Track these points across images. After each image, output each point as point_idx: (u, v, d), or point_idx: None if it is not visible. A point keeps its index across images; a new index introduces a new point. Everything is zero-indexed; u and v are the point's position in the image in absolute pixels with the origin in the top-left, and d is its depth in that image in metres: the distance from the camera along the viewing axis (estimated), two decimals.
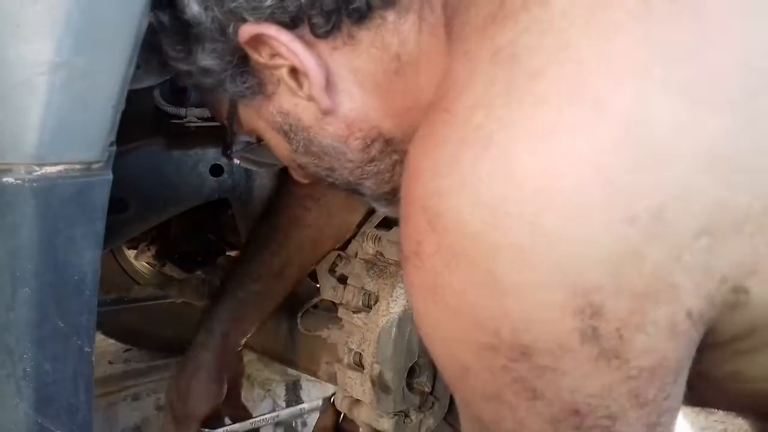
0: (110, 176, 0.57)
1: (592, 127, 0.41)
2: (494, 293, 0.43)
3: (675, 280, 0.41)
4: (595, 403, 0.44)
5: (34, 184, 0.53)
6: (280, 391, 1.84)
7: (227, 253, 1.35)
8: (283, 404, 1.84)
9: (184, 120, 1.05)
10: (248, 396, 1.79)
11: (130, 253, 1.62)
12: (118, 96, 0.56)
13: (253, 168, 0.86)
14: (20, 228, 0.54)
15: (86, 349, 0.58)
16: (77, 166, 0.55)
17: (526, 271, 0.42)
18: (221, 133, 0.74)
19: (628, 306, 0.41)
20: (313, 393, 1.84)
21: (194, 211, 1.23)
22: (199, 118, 1.05)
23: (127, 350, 1.84)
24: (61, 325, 0.56)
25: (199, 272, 1.21)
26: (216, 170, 1.12)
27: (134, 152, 1.03)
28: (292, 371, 1.83)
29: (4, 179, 0.53)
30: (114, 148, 0.57)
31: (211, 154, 1.12)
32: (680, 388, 0.46)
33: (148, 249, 1.49)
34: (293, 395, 1.83)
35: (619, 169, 0.41)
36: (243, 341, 1.06)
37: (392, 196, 0.70)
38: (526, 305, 0.43)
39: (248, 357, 1.84)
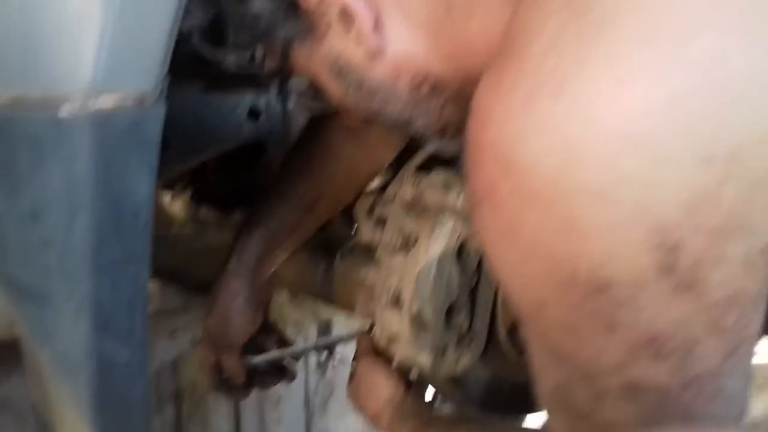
0: (163, 109, 0.58)
1: (669, 70, 0.42)
2: (571, 234, 0.44)
3: (751, 217, 0.43)
4: (673, 332, 0.45)
5: (91, 115, 0.54)
6: (312, 332, 1.87)
7: None
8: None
9: (223, 65, 1.05)
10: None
11: (166, 199, 1.64)
12: (171, 28, 0.57)
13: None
14: (77, 158, 0.55)
15: (142, 277, 0.60)
16: (132, 98, 0.56)
17: (603, 212, 0.43)
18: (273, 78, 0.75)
19: (705, 242, 0.43)
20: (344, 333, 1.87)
21: (230, 155, 1.25)
22: (237, 65, 1.05)
23: (163, 288, 1.88)
24: (118, 253, 0.58)
25: (237, 213, 1.23)
26: (254, 113, 1.13)
27: (174, 93, 1.04)
28: (323, 313, 1.86)
29: (61, 109, 0.54)
30: (167, 81, 0.58)
31: (249, 98, 1.12)
32: (759, 318, 0.47)
33: (184, 192, 1.50)
34: (325, 336, 1.86)
35: (696, 112, 0.42)
36: (272, 270, 1.07)
37: (442, 135, 0.70)
38: (603, 245, 0.44)
39: (280, 298, 1.88)
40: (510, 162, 0.46)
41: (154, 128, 0.57)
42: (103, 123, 0.54)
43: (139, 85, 0.55)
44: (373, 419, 0.99)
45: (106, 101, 0.54)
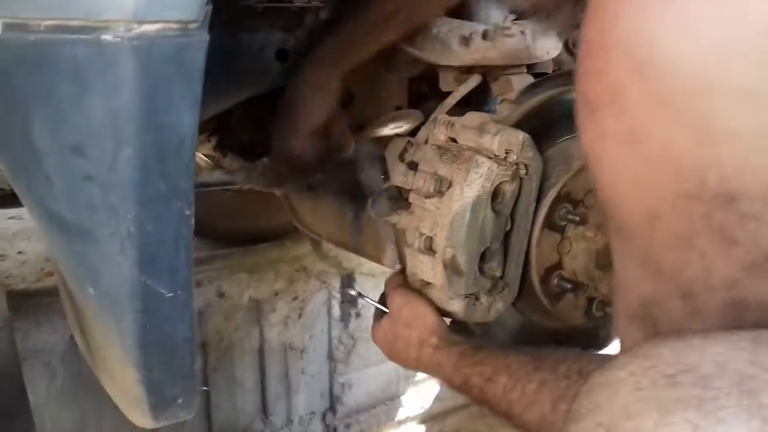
0: (207, 37, 0.56)
1: None
2: (706, 140, 0.42)
3: None
4: None
5: (134, 42, 0.53)
6: (335, 283, 1.88)
7: None
8: (338, 296, 1.89)
9: (251, 1, 1.02)
10: (304, 287, 1.84)
11: None
12: None
13: None
14: (120, 87, 0.54)
15: (186, 212, 0.59)
16: (175, 25, 0.54)
17: (748, 115, 0.40)
18: None
19: None
20: (367, 285, 1.87)
21: (255, 101, 1.23)
22: None
23: None
24: (163, 187, 0.57)
25: (264, 159, 1.21)
26: (282, 54, 1.10)
27: None
28: (346, 264, 1.86)
29: (103, 37, 0.53)
30: (210, 6, 0.56)
31: (278, 38, 1.10)
32: None
33: (209, 140, 1.49)
34: (348, 287, 1.87)
35: None
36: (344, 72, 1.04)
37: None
38: (741, 151, 0.41)
39: (304, 249, 1.88)
40: (644, 63, 0.43)
41: (198, 56, 0.55)
42: (147, 49, 0.52)
43: (182, 11, 0.54)
44: (419, 344, 0.98)
45: (150, 27, 0.52)
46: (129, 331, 0.61)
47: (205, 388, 1.67)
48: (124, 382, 0.67)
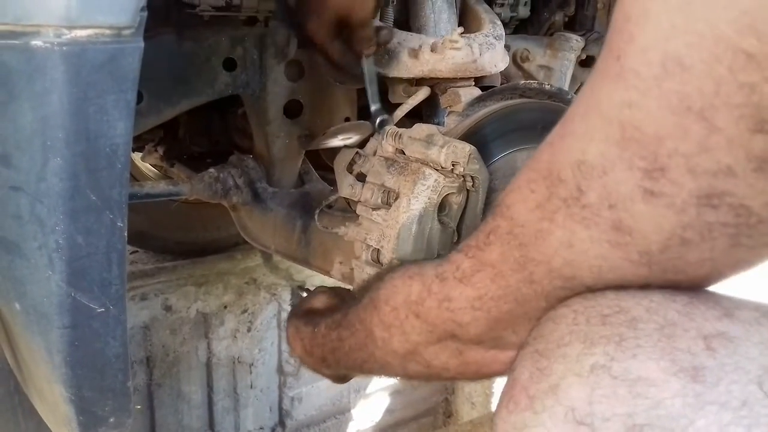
0: (141, 44, 0.55)
1: None
2: None
3: None
4: None
5: (64, 48, 0.51)
6: (286, 296, 1.86)
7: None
8: (288, 308, 1.86)
9: (198, 9, 1.01)
10: (254, 300, 1.81)
11: (136, 156, 1.60)
12: None
13: None
14: (50, 94, 0.52)
15: (119, 224, 0.57)
16: (108, 31, 0.52)
17: None
18: None
19: None
20: None
21: (203, 110, 1.21)
22: (213, 7, 1.01)
23: (133, 252, 1.84)
24: (93, 197, 0.55)
25: (211, 170, 1.19)
26: (229, 64, 1.09)
27: (145, 42, 0.99)
28: (297, 276, 1.84)
29: (33, 42, 0.51)
30: (145, 13, 0.54)
31: (225, 47, 1.08)
32: None
33: (156, 150, 1.46)
34: (298, 299, 1.84)
35: None
36: None
37: None
38: None
39: (254, 261, 1.85)
40: None
41: (132, 63, 0.54)
42: (77, 55, 0.51)
43: (116, 17, 0.52)
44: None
45: (81, 33, 0.50)
46: (57, 347, 0.59)
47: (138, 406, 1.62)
48: (52, 401, 0.64)
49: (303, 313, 0.94)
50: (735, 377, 0.40)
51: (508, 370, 0.58)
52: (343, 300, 0.93)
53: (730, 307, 0.46)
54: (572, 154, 0.47)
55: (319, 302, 0.96)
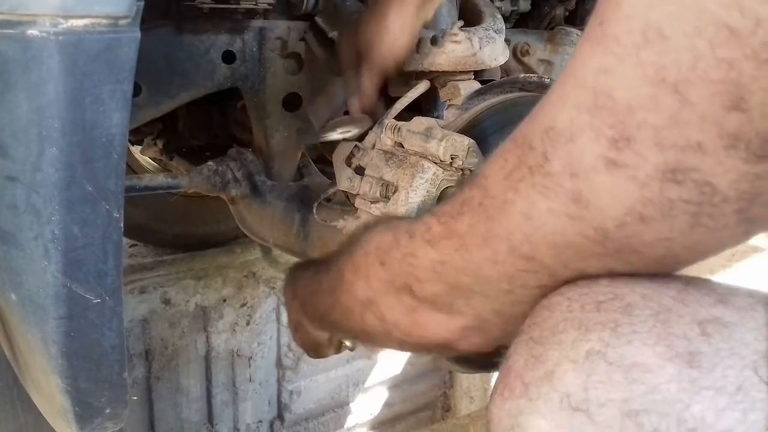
0: (138, 34, 0.55)
1: None
2: None
3: None
4: None
5: (60, 38, 0.51)
6: None
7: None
8: None
9: (197, 1, 1.00)
10: (253, 293, 1.81)
11: (135, 149, 1.60)
12: None
13: None
14: (46, 84, 0.52)
15: (115, 215, 0.57)
16: (104, 21, 0.52)
17: None
18: None
19: None
20: None
21: (202, 103, 1.20)
22: (212, 0, 1.01)
23: (133, 245, 1.84)
24: (90, 188, 0.55)
25: (210, 163, 1.19)
26: (228, 57, 1.09)
27: (144, 34, 0.99)
28: None
29: (29, 31, 0.50)
30: (142, 3, 0.54)
31: (224, 40, 1.08)
32: None
33: (155, 143, 1.46)
34: None
35: None
36: None
37: None
38: None
39: (254, 255, 1.85)
40: None
41: (129, 53, 0.53)
42: (74, 45, 0.50)
43: (112, 6, 0.52)
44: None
45: (77, 22, 0.50)
46: (53, 338, 0.59)
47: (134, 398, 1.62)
48: (48, 392, 0.64)
49: (303, 263, 0.95)
50: (730, 362, 0.40)
51: (451, 340, 0.59)
52: None
53: (724, 293, 0.45)
54: (545, 120, 0.46)
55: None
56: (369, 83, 1.03)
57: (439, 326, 0.59)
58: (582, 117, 0.43)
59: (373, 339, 0.70)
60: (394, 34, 0.99)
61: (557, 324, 0.47)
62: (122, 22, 0.53)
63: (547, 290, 0.50)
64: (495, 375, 0.82)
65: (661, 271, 0.47)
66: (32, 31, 0.50)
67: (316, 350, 0.95)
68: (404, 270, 0.59)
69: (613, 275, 0.48)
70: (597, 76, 0.42)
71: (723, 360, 0.41)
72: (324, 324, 0.83)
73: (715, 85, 0.37)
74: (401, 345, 0.70)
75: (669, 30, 0.38)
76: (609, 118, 0.41)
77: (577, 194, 0.44)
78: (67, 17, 0.51)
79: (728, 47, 0.37)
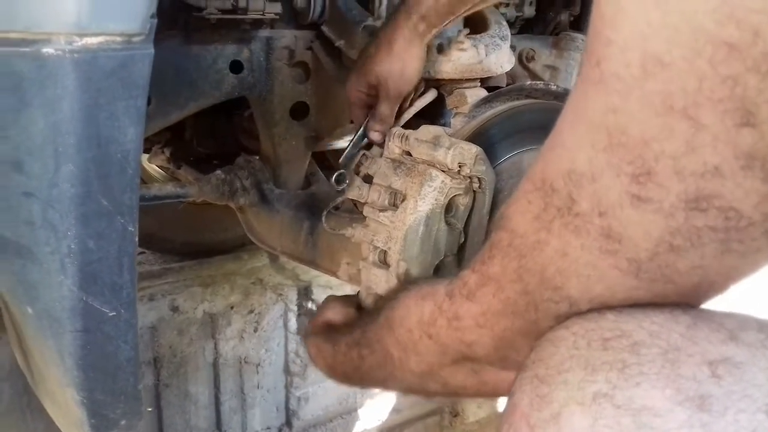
0: (152, 50, 0.55)
1: None
2: None
3: None
4: None
5: (75, 55, 0.51)
6: (292, 296, 1.86)
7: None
8: (295, 308, 1.87)
9: (205, 12, 1.01)
10: (260, 300, 1.82)
11: (144, 157, 1.60)
12: None
13: None
14: (61, 101, 0.52)
15: (129, 228, 0.58)
16: (118, 38, 0.53)
17: None
18: None
19: None
20: (324, 298, 1.86)
21: (210, 112, 1.21)
22: (220, 10, 1.02)
23: (140, 252, 1.85)
24: (105, 202, 0.56)
25: (218, 171, 1.19)
26: (236, 66, 1.10)
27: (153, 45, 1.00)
28: (303, 276, 1.85)
29: (44, 49, 0.51)
30: (155, 20, 0.55)
31: (232, 50, 1.09)
32: None
33: (162, 152, 1.47)
34: (305, 300, 1.85)
35: None
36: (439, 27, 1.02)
37: None
38: None
39: (261, 261, 1.86)
40: None
41: (143, 70, 0.54)
42: (89, 62, 0.51)
43: (126, 24, 0.52)
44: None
45: (92, 40, 0.51)
46: (69, 351, 0.59)
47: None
48: (64, 404, 0.64)
49: (320, 328, 0.94)
50: (742, 405, 0.39)
51: None
52: (357, 311, 0.93)
53: (734, 328, 0.44)
54: (563, 163, 0.46)
55: (335, 314, 0.96)
56: (388, 112, 1.05)
57: (505, 381, 0.58)
58: (600, 157, 0.43)
59: (440, 397, 0.70)
60: (405, 62, 1.01)
61: (563, 362, 0.46)
62: (136, 39, 0.54)
63: (562, 321, 0.50)
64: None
65: (696, 300, 0.47)
66: (47, 49, 0.51)
67: None
68: (452, 337, 0.59)
69: (620, 309, 0.47)
70: (606, 116, 0.42)
71: (735, 403, 0.40)
72: (379, 388, 0.84)
73: (723, 104, 0.37)
74: (475, 398, 0.69)
75: (668, 57, 0.38)
76: (626, 155, 0.42)
77: (608, 230, 0.44)
78: (81, 35, 0.51)
79: (730, 63, 0.37)
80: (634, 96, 0.40)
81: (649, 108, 0.40)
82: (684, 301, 0.46)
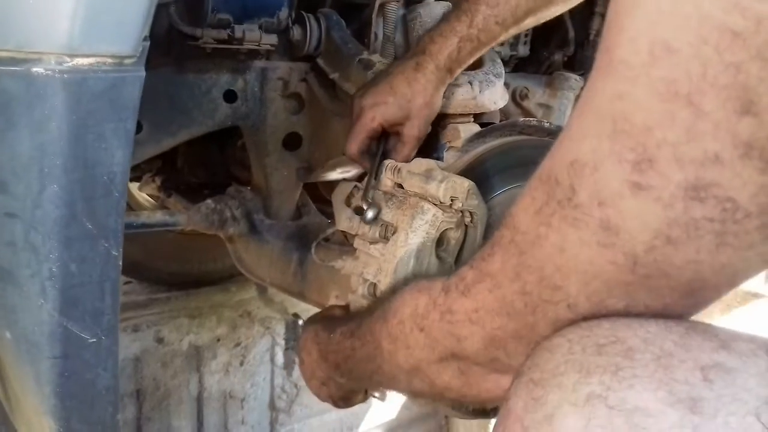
0: (143, 73, 0.55)
1: None
2: None
3: None
4: None
5: (65, 76, 0.51)
6: (280, 329, 1.84)
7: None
8: (282, 342, 1.84)
9: (200, 41, 1.02)
10: (247, 333, 1.79)
11: (133, 185, 1.60)
12: None
13: None
14: (49, 121, 0.52)
15: (114, 253, 0.56)
16: (110, 60, 0.52)
17: None
18: None
19: None
20: None
21: (201, 140, 1.21)
22: (215, 40, 1.02)
23: (127, 282, 1.83)
24: (89, 225, 0.54)
25: (208, 201, 1.19)
26: (230, 96, 1.10)
27: (146, 72, 1.00)
28: (292, 309, 1.83)
29: (34, 69, 0.51)
30: (147, 43, 0.54)
31: (226, 79, 1.09)
32: None
33: (153, 180, 1.46)
34: (293, 333, 1.83)
35: None
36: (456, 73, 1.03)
37: None
38: None
39: (249, 294, 1.84)
40: None
41: (133, 92, 0.53)
42: (79, 83, 0.50)
43: (118, 46, 0.52)
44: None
45: (83, 61, 0.50)
46: (47, 378, 0.58)
47: None
48: None
49: (321, 318, 0.95)
50: (733, 408, 0.40)
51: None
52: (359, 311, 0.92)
53: (726, 338, 0.45)
54: (567, 154, 0.46)
55: (337, 311, 0.96)
56: (409, 153, 1.05)
57: (494, 386, 0.59)
58: (603, 145, 0.43)
59: (424, 398, 0.69)
60: (432, 110, 1.02)
61: (558, 366, 0.46)
62: (128, 61, 0.53)
63: (560, 326, 0.50)
64: (492, 421, 0.80)
65: (689, 300, 0.47)
66: (37, 69, 0.51)
67: (346, 402, 0.95)
68: (444, 331, 0.58)
69: (615, 318, 0.47)
70: (613, 102, 0.42)
71: (725, 406, 0.40)
72: (363, 383, 0.82)
73: (725, 91, 0.38)
74: (455, 404, 0.68)
75: (676, 43, 0.39)
76: (629, 142, 0.42)
77: (606, 222, 0.44)
78: (72, 56, 0.51)
79: (733, 50, 0.37)
80: (641, 82, 0.41)
81: (654, 94, 0.40)
82: (677, 299, 0.47)
